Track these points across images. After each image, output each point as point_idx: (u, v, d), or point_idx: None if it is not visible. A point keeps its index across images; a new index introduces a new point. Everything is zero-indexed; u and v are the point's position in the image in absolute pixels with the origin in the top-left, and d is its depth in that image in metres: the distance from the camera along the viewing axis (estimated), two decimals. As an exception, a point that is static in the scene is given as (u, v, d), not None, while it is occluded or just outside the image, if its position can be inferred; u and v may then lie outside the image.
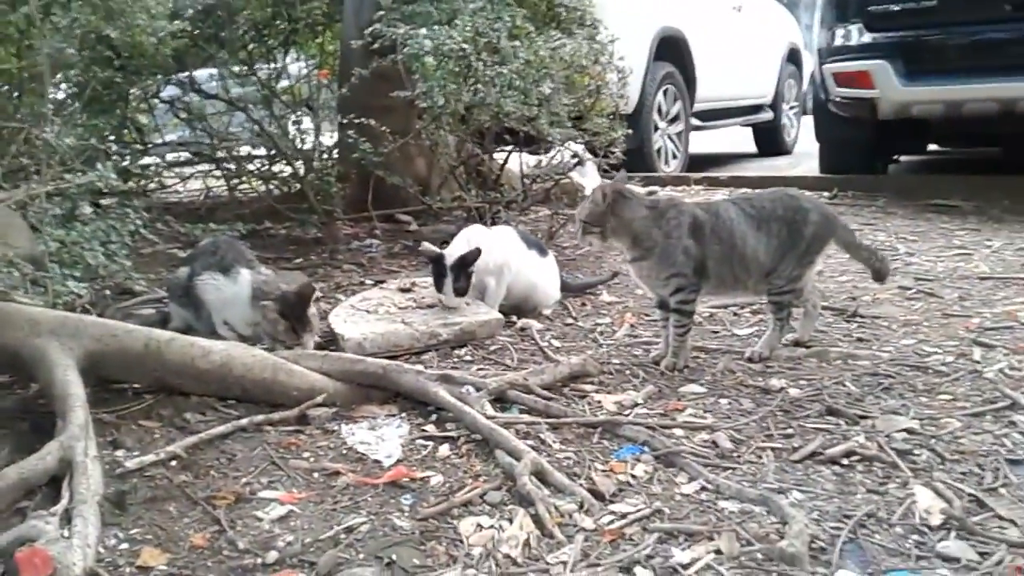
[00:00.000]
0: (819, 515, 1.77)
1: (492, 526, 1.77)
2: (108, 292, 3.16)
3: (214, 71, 4.97)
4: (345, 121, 4.12)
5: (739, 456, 2.05)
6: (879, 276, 2.88)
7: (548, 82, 3.90)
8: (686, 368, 2.62)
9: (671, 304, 2.65)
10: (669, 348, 2.67)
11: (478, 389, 2.35)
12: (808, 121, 7.20)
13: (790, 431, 2.18)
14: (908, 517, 1.76)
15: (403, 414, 2.33)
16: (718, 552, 1.65)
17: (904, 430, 2.13)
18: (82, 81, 3.87)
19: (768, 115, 8.84)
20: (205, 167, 5.07)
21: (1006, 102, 4.95)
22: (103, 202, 3.57)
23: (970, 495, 1.83)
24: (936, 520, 1.73)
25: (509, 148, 4.77)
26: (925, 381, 2.47)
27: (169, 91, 4.97)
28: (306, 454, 2.12)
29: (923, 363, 2.60)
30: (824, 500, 1.84)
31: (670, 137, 7.18)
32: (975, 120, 5.39)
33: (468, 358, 2.77)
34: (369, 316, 2.86)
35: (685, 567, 1.60)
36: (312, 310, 2.72)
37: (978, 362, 2.59)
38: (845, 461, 2.00)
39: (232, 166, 4.81)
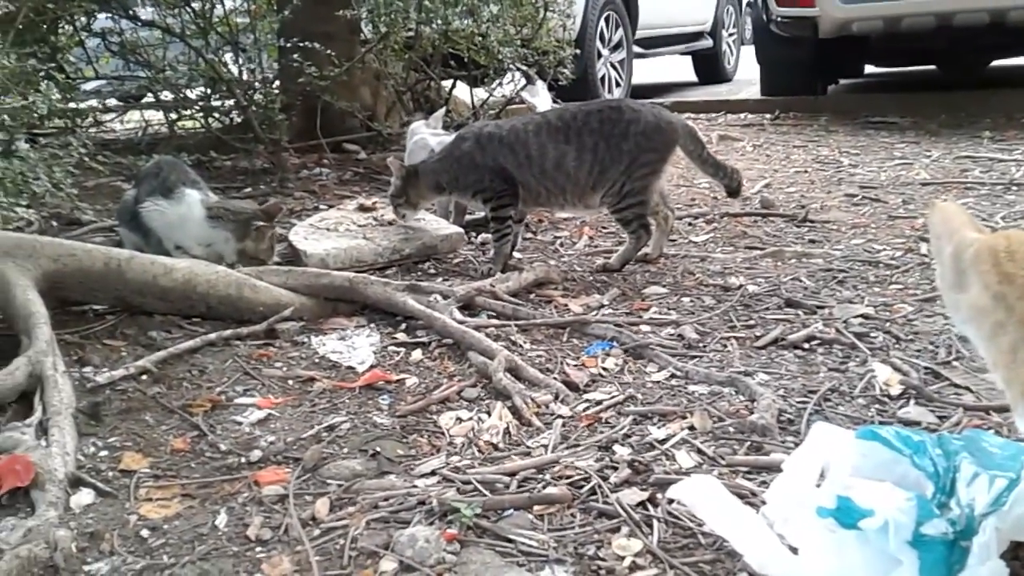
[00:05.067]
0: (785, 392, 1.85)
1: (471, 419, 1.81)
2: (55, 223, 3.10)
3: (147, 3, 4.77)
4: (288, 45, 4.02)
5: (705, 346, 2.12)
6: (732, 192, 2.85)
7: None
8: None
9: (487, 215, 2.73)
10: (492, 256, 2.75)
11: (445, 297, 2.36)
12: (747, 51, 7.23)
13: (752, 322, 2.25)
14: (869, 390, 1.84)
15: (372, 324, 2.34)
16: (692, 428, 1.71)
17: (860, 316, 2.22)
18: (10, 10, 3.70)
19: (708, 42, 8.84)
20: (143, 102, 4.90)
21: (943, 16, 5.04)
22: (40, 141, 3.45)
23: (926, 368, 1.92)
24: (895, 391, 1.82)
25: (456, 75, 4.72)
26: (876, 274, 2.56)
27: (101, 24, 4.76)
28: (278, 364, 2.12)
29: (874, 258, 2.70)
30: (789, 380, 1.91)
31: (613, 65, 7.15)
32: (913, 36, 5.48)
33: (432, 271, 2.78)
34: (330, 233, 2.84)
35: (662, 442, 1.66)
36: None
37: (925, 255, 2.69)
38: (806, 345, 2.09)
39: (171, 99, 4.65)
